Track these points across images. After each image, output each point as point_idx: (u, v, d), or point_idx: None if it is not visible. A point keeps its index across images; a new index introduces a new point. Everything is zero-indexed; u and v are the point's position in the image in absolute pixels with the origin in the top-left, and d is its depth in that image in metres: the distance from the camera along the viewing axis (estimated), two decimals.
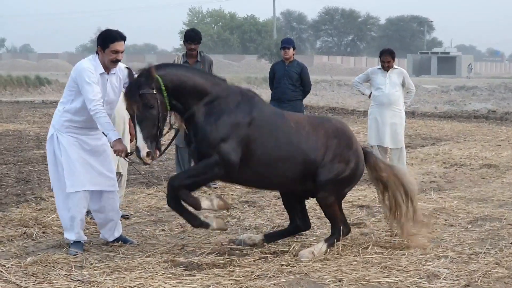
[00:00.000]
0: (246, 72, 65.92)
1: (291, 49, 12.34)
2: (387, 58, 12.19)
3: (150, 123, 6.77)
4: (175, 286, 6.37)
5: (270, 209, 9.86)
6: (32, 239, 8.13)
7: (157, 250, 7.57)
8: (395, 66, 12.40)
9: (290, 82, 12.11)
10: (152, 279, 6.47)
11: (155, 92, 6.76)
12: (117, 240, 7.81)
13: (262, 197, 10.66)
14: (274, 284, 6.53)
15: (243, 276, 6.70)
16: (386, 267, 7.09)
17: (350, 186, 8.08)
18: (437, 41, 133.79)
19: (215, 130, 7.05)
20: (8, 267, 6.81)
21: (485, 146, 17.56)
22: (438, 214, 9.63)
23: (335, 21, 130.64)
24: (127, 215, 9.35)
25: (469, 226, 9.01)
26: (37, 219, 8.88)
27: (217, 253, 7.50)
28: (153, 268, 6.85)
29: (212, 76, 7.77)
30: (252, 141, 7.25)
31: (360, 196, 10.79)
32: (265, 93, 17.74)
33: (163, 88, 6.83)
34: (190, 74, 7.33)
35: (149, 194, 10.90)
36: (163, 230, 8.64)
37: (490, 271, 7.02)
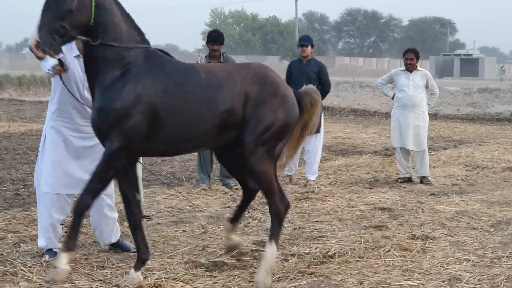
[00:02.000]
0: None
1: (309, 47, 12.13)
2: (410, 55, 12.23)
3: (52, 13, 5.88)
4: (196, 287, 6.37)
5: (291, 210, 9.84)
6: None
7: (178, 250, 7.59)
8: (418, 68, 12.39)
9: (307, 82, 11.69)
10: (173, 279, 6.48)
11: None
12: (114, 245, 7.70)
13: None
14: (295, 287, 6.53)
15: None
16: (407, 270, 7.05)
17: (283, 141, 6.86)
18: (459, 43, 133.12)
19: (121, 101, 6.19)
20: (30, 267, 6.86)
21: (507, 149, 17.44)
22: (460, 217, 9.58)
23: (357, 22, 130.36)
24: (149, 216, 9.35)
25: (492, 229, 8.95)
26: None
27: (238, 254, 7.51)
28: (174, 268, 6.86)
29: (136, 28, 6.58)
30: (160, 111, 6.33)
31: (382, 199, 10.76)
32: None
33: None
34: (117, 8, 6.40)
35: (170, 194, 10.90)
36: (184, 231, 8.62)
37: None
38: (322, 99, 11.94)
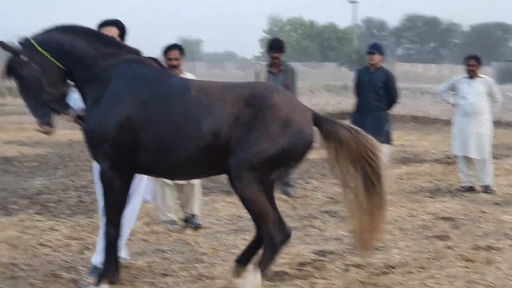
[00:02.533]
0: (326, 80, 65.65)
1: (377, 55, 11.96)
2: (472, 62, 12.10)
3: (36, 90, 6.11)
4: None
5: None
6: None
7: None
8: (480, 75, 12.23)
9: (374, 91, 11.75)
10: None
11: (23, 57, 6.09)
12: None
13: (344, 207, 10.61)
14: None
15: None
16: (471, 282, 6.95)
17: (280, 169, 6.33)
18: None
19: (97, 122, 6.17)
20: None
21: None
22: None
23: (417, 28, 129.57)
24: (199, 225, 9.38)
25: None
26: None
27: (299, 264, 7.51)
28: None
29: (105, 41, 6.48)
30: (141, 126, 6.11)
31: (444, 208, 10.64)
32: (346, 101, 17.69)
33: (39, 48, 6.15)
34: (73, 37, 6.34)
35: (229, 202, 10.93)
36: (244, 239, 8.56)
37: None
38: (388, 109, 11.88)
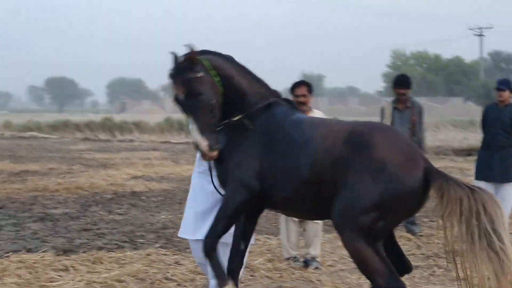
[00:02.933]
0: (452, 115, 64.85)
1: (507, 91, 11.44)
2: None
3: (205, 112, 5.91)
4: None
5: None
6: (241, 282, 8.16)
7: None
8: None
9: (501, 127, 11.35)
10: None
11: (203, 76, 5.92)
12: None
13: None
14: None
15: None
16: None
17: (385, 217, 5.58)
18: None
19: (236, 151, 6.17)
20: None
21: None
22: None
23: None
24: (319, 267, 9.24)
25: None
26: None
27: None
28: None
29: (261, 84, 6.44)
30: (264, 157, 6.07)
31: None
32: (472, 137, 17.23)
33: (212, 71, 6.01)
34: (237, 70, 6.29)
35: None
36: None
37: None
38: None
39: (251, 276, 8.60)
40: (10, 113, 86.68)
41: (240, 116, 6.11)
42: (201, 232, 6.91)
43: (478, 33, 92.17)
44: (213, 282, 6.93)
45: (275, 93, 6.42)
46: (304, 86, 9.24)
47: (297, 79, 9.46)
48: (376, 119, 10.84)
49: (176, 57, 6.04)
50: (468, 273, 5.63)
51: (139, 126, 45.94)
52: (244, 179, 6.04)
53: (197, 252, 7.06)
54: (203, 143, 5.81)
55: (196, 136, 5.84)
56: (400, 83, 11.22)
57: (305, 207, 6.22)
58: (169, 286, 8.03)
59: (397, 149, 5.65)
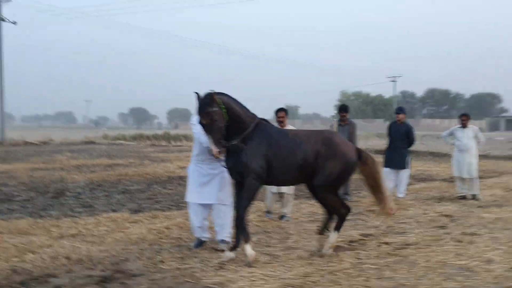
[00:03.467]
0: (376, 130, 64.73)
1: (402, 114, 11.79)
2: (464, 117, 12.00)
3: (217, 131, 6.19)
4: None
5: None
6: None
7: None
8: (469, 125, 11.99)
9: (399, 137, 11.61)
10: None
11: (217, 109, 6.19)
12: (221, 241, 7.18)
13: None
14: (385, 263, 6.47)
15: None
16: (458, 254, 6.83)
17: (342, 181, 6.87)
18: (504, 109, 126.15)
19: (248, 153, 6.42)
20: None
21: None
22: (497, 222, 9.10)
23: (435, 96, 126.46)
24: (289, 220, 9.24)
25: None
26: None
27: (349, 242, 7.50)
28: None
29: (248, 110, 6.68)
30: (270, 159, 6.48)
31: (445, 209, 10.36)
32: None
33: (222, 106, 6.25)
34: (235, 103, 6.52)
35: (310, 204, 10.67)
36: (317, 225, 8.43)
37: None
38: (408, 147, 11.63)
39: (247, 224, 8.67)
40: (107, 129, 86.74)
41: (238, 140, 6.40)
42: (200, 198, 7.08)
43: (392, 80, 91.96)
44: (196, 242, 7.14)
45: (255, 116, 6.70)
46: (283, 111, 9.38)
47: (279, 107, 9.47)
48: None
49: (198, 96, 6.31)
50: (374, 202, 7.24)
51: (185, 137, 45.99)
52: (256, 171, 6.41)
53: (194, 213, 7.13)
54: (215, 149, 6.20)
55: (211, 145, 6.24)
56: (342, 109, 11.26)
57: (294, 181, 7.07)
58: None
59: (346, 144, 6.87)
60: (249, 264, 6.22)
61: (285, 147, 6.56)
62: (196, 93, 6.35)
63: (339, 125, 11.35)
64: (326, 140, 6.66)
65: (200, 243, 7.18)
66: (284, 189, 9.15)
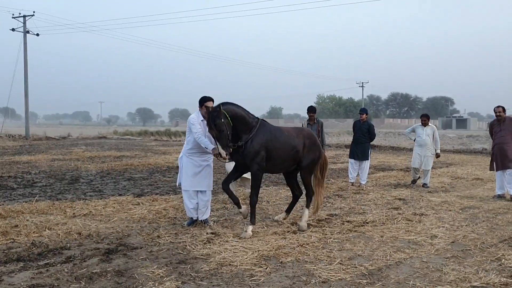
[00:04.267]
0: (347, 128, 64.87)
1: (364, 114, 11.82)
2: (423, 118, 11.94)
3: (224, 138, 6.33)
4: None
5: (349, 197, 9.83)
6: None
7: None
8: (429, 124, 11.94)
9: (361, 133, 11.65)
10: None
11: (223, 120, 6.32)
12: (203, 221, 7.21)
13: (345, 190, 10.65)
14: (346, 238, 6.54)
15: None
16: (408, 231, 6.93)
17: (316, 166, 7.36)
18: (456, 110, 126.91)
19: (256, 148, 6.63)
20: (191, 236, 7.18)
21: (477, 168, 16.54)
22: (443, 204, 9.25)
23: (397, 99, 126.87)
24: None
25: (460, 211, 8.60)
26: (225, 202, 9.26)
27: (318, 220, 7.59)
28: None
29: (249, 113, 6.86)
30: (270, 149, 6.74)
31: (400, 194, 10.49)
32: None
33: (228, 117, 6.40)
34: (238, 108, 6.66)
35: (284, 190, 10.79)
36: (287, 205, 8.62)
37: (467, 235, 6.75)
38: (370, 142, 11.70)
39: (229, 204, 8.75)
40: (117, 126, 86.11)
41: (247, 137, 6.62)
42: (194, 186, 7.07)
43: (360, 85, 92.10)
44: (188, 221, 7.12)
45: (256, 117, 6.95)
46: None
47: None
48: None
49: (208, 109, 6.58)
50: (317, 191, 7.54)
51: (184, 133, 45.62)
52: (260, 163, 6.65)
53: (188, 197, 7.10)
54: (223, 153, 6.33)
55: (219, 149, 6.35)
56: (310, 109, 10.94)
57: (286, 168, 7.26)
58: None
59: (317, 140, 7.47)
60: (244, 239, 6.34)
61: (282, 141, 6.90)
62: (206, 107, 6.70)
63: (308, 124, 11.06)
64: (308, 135, 7.28)
65: (192, 222, 7.21)
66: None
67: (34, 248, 5.83)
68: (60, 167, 15.50)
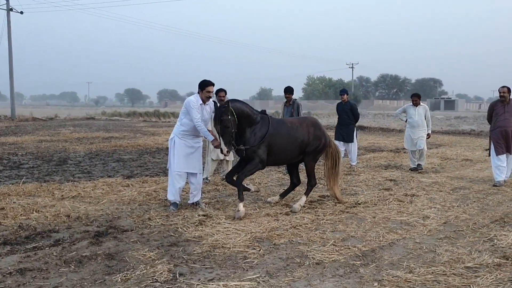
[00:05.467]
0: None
1: (345, 95, 11.58)
2: (415, 98, 11.51)
3: (228, 135, 6.37)
4: None
5: (340, 179, 9.78)
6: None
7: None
8: (421, 103, 11.57)
9: (345, 114, 11.49)
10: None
11: (230, 117, 6.37)
12: (195, 203, 7.12)
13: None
14: (339, 219, 6.52)
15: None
16: (400, 212, 6.93)
17: (321, 154, 7.39)
18: (444, 92, 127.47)
19: (255, 142, 6.68)
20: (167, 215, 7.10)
21: (466, 149, 16.60)
22: (434, 185, 9.27)
23: (386, 81, 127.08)
24: (208, 181, 9.13)
25: (451, 191, 8.62)
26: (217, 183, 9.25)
27: (310, 202, 7.54)
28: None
29: (253, 109, 6.89)
30: (271, 143, 6.76)
31: (391, 174, 10.51)
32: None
33: (234, 114, 6.43)
34: (245, 106, 6.70)
35: (277, 172, 10.93)
36: (283, 188, 8.47)
37: (458, 216, 6.76)
38: (355, 123, 11.53)
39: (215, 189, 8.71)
40: (105, 107, 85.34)
41: (249, 131, 6.69)
42: (187, 168, 6.94)
43: (350, 66, 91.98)
44: (171, 206, 6.91)
45: (258, 112, 6.96)
46: (223, 91, 8.82)
47: (219, 88, 8.78)
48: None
49: (216, 104, 6.81)
50: (328, 182, 7.47)
51: (173, 114, 45.50)
52: (261, 156, 6.71)
53: (179, 179, 6.91)
54: (225, 150, 6.38)
55: (222, 145, 6.39)
56: (286, 90, 10.30)
57: (291, 160, 7.24)
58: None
59: (322, 127, 7.40)
60: (239, 218, 6.32)
61: (285, 134, 6.92)
62: (214, 102, 6.87)
63: (284, 105, 10.55)
64: (312, 123, 7.28)
65: (177, 206, 7.01)
66: (230, 156, 8.93)
67: (21, 231, 5.71)
68: (48, 148, 15.29)
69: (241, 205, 6.54)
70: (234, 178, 6.86)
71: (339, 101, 11.99)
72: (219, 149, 7.96)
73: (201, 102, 6.82)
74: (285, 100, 10.57)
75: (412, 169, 11.38)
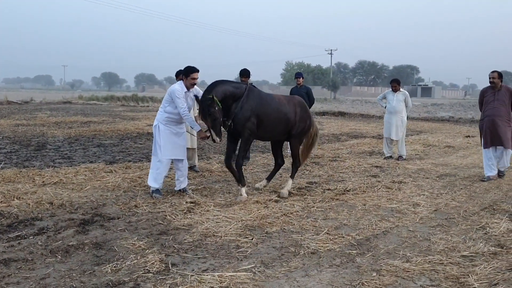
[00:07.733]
0: (315, 95, 65.28)
1: (301, 78, 11.23)
2: (394, 84, 11.27)
3: (218, 125, 6.24)
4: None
5: (327, 165, 9.74)
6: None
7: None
8: (401, 90, 11.32)
9: (303, 97, 10.46)
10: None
11: (216, 108, 6.20)
12: (182, 190, 6.98)
13: (321, 158, 10.55)
14: (328, 206, 6.43)
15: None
16: (390, 199, 6.87)
17: (306, 135, 7.32)
18: (421, 79, 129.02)
19: (247, 115, 6.49)
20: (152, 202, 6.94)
21: (447, 136, 16.73)
22: (420, 172, 9.28)
23: (364, 67, 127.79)
24: (198, 170, 8.92)
25: (437, 178, 8.63)
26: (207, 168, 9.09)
27: (298, 189, 7.45)
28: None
29: (236, 83, 6.68)
30: (260, 114, 6.58)
31: (376, 161, 10.50)
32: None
33: (219, 103, 6.25)
34: (226, 86, 6.46)
35: (263, 157, 10.82)
36: (268, 172, 8.38)
37: (448, 203, 6.74)
38: (310, 107, 10.98)
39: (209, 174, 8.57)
40: (82, 91, 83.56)
41: (231, 122, 6.48)
42: (174, 155, 6.80)
43: (329, 52, 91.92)
44: (155, 194, 6.69)
45: (244, 84, 6.76)
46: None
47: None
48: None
49: (197, 98, 6.58)
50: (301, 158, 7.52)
51: (151, 99, 44.82)
52: (251, 129, 6.56)
53: (165, 166, 6.78)
54: (217, 139, 6.21)
55: (213, 136, 6.22)
56: (242, 73, 9.45)
57: (277, 136, 7.10)
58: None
59: (308, 109, 7.34)
60: (241, 203, 6.33)
61: (273, 106, 6.76)
62: (196, 96, 6.71)
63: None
64: (299, 103, 7.13)
65: (159, 191, 6.81)
66: (194, 144, 8.77)
67: (3, 219, 5.46)
68: (25, 132, 14.83)
69: (243, 189, 6.65)
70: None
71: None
72: (190, 136, 8.13)
73: (185, 90, 6.70)
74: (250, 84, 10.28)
75: (386, 158, 11.04)
